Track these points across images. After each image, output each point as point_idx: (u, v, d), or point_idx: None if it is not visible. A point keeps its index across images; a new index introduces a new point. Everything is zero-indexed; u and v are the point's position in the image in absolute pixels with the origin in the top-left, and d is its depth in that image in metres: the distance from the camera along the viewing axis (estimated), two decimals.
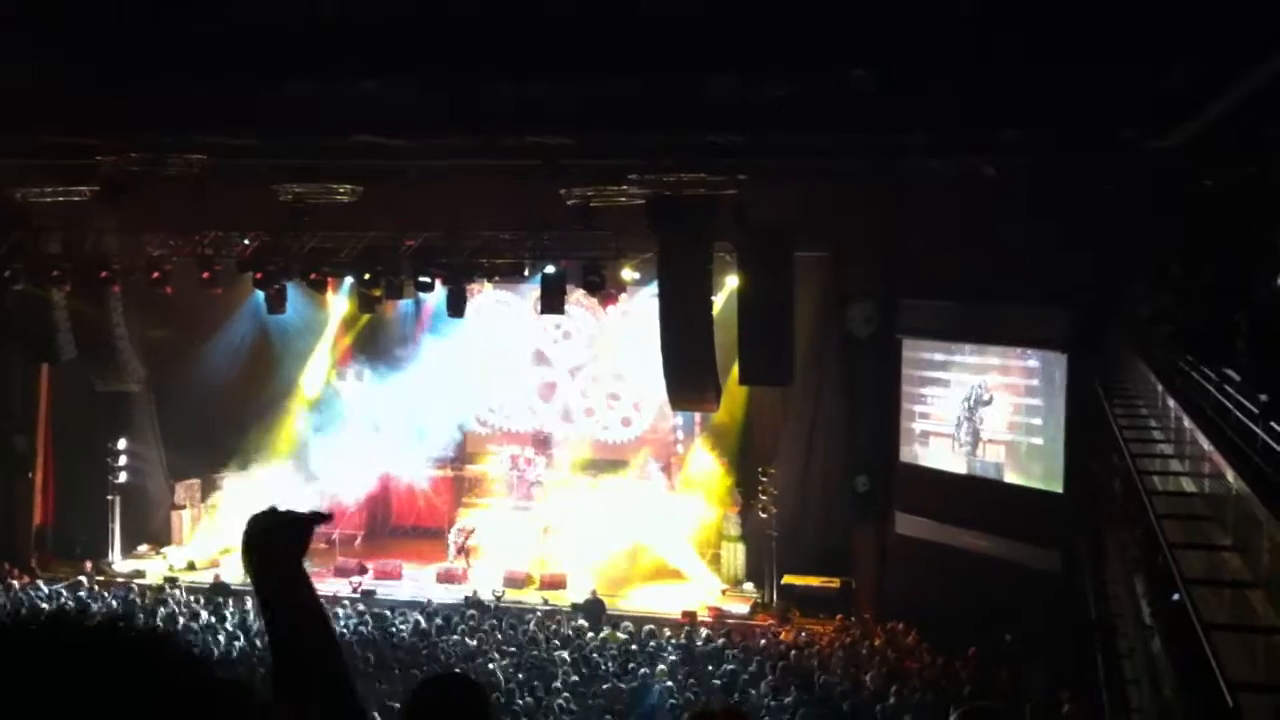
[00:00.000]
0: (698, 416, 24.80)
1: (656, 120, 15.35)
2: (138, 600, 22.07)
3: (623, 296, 22.77)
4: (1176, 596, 6.80)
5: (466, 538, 24.78)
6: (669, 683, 17.12)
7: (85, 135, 18.00)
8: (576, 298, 23.17)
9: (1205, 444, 7.55)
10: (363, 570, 24.19)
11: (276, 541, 2.35)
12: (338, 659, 2.31)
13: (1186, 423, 8.52)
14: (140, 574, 24.44)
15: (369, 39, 12.74)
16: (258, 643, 17.89)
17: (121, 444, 25.51)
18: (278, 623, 2.30)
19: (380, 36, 12.72)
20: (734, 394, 23.12)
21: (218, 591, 22.41)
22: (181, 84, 14.22)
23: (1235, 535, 6.79)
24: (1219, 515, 7.34)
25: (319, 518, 2.45)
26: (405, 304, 25.40)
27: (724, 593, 23.36)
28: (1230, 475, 6.61)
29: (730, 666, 18.06)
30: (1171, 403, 9.55)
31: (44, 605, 21.45)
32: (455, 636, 19.59)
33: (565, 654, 18.52)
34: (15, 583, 22.92)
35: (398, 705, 14.16)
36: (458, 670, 16.69)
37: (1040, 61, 12.29)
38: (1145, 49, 11.33)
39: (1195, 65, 11.20)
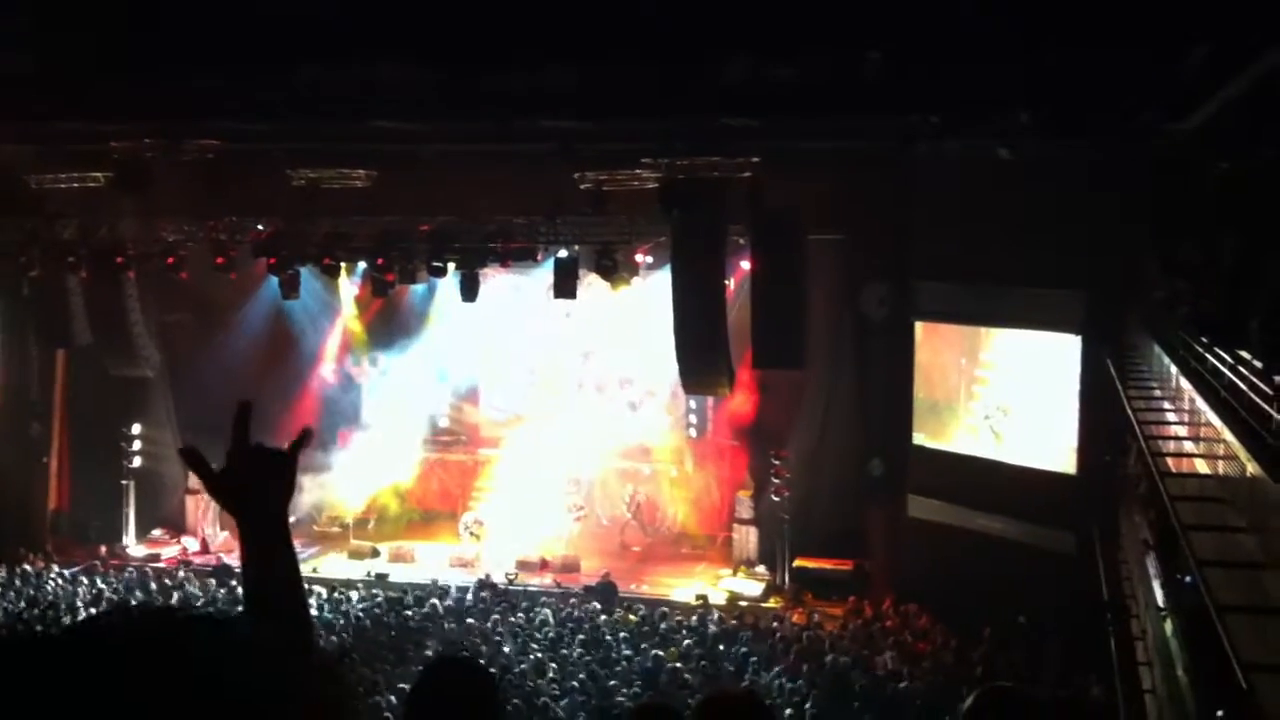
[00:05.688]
0: (710, 400, 24.82)
1: (670, 103, 15.33)
2: (153, 584, 22.20)
3: (636, 280, 22.70)
4: (1190, 579, 6.80)
5: (478, 522, 24.82)
6: (679, 664, 17.19)
7: (97, 121, 18.05)
8: (589, 282, 23.13)
9: (1219, 426, 7.54)
10: (375, 553, 24.28)
11: (268, 477, 2.36)
12: (300, 591, 2.36)
13: (1200, 405, 8.51)
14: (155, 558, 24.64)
15: (380, 22, 12.73)
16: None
17: (136, 429, 25.62)
18: (258, 557, 2.32)
19: (391, 19, 12.71)
20: (746, 378, 23.13)
21: (223, 574, 22.52)
22: (195, 69, 14.25)
23: (1249, 517, 6.78)
24: (1233, 498, 7.33)
25: (303, 440, 2.45)
26: (418, 288, 25.36)
27: (735, 575, 23.37)
28: (1244, 457, 6.60)
29: (743, 649, 18.11)
30: (1186, 385, 9.53)
31: (61, 589, 21.61)
32: (469, 620, 19.67)
33: (578, 636, 18.59)
34: (30, 567, 23.06)
35: (407, 687, 14.25)
36: (466, 653, 16.79)
37: (1056, 43, 12.25)
38: (1163, 31, 11.28)
39: (1213, 47, 11.14)
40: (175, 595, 21.21)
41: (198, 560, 24.29)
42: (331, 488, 24.73)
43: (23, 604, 20.45)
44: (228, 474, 2.32)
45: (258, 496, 2.30)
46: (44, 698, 1.17)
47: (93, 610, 19.58)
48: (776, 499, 22.86)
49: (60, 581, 22.22)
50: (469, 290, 23.24)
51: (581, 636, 18.62)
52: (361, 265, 24.26)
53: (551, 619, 19.78)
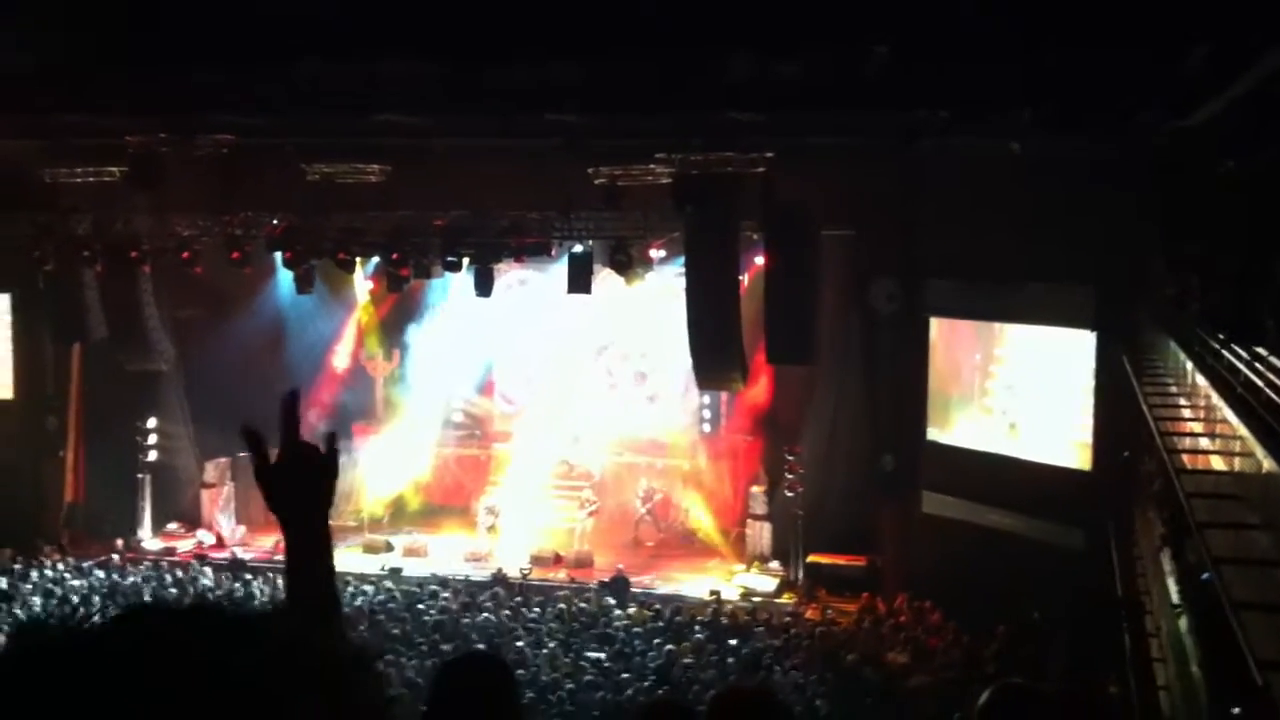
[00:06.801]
0: (724, 395, 24.81)
1: (672, 100, 15.32)
2: (169, 578, 22.27)
3: (650, 275, 22.66)
4: (1206, 575, 6.78)
5: (494, 516, 24.85)
6: (690, 659, 17.19)
7: (99, 115, 18.07)
8: (603, 277, 23.09)
9: (1235, 423, 7.51)
10: (389, 548, 24.32)
11: (316, 481, 2.36)
12: (334, 584, 2.40)
13: (1217, 401, 8.48)
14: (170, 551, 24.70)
15: (381, 18, 12.74)
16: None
17: (151, 423, 25.68)
18: (301, 545, 2.33)
19: (391, 15, 12.71)
20: (760, 373, 23.12)
21: (238, 568, 22.61)
22: (195, 65, 14.29)
23: (1265, 514, 6.75)
24: (1249, 494, 7.30)
25: (333, 444, 2.45)
26: (433, 282, 25.33)
27: (749, 570, 23.36)
28: (1260, 454, 6.58)
29: (756, 645, 18.11)
30: (1201, 381, 9.50)
31: (76, 583, 21.70)
32: (483, 614, 19.70)
33: (592, 631, 18.62)
34: (47, 560, 23.15)
35: (423, 681, 14.28)
36: (483, 647, 16.83)
37: (1062, 41, 12.21)
38: (1163, 31, 11.24)
39: (1213, 47, 11.10)
40: (191, 589, 21.28)
41: (213, 554, 24.34)
42: (349, 481, 24.78)
43: (39, 598, 20.53)
44: (282, 469, 2.34)
45: (306, 501, 2.33)
46: (62, 698, 1.18)
47: (109, 604, 19.67)
48: (790, 494, 22.83)
49: (76, 575, 22.31)
50: (483, 285, 23.22)
51: (595, 631, 18.65)
52: (375, 260, 24.26)
53: (565, 613, 19.81)
